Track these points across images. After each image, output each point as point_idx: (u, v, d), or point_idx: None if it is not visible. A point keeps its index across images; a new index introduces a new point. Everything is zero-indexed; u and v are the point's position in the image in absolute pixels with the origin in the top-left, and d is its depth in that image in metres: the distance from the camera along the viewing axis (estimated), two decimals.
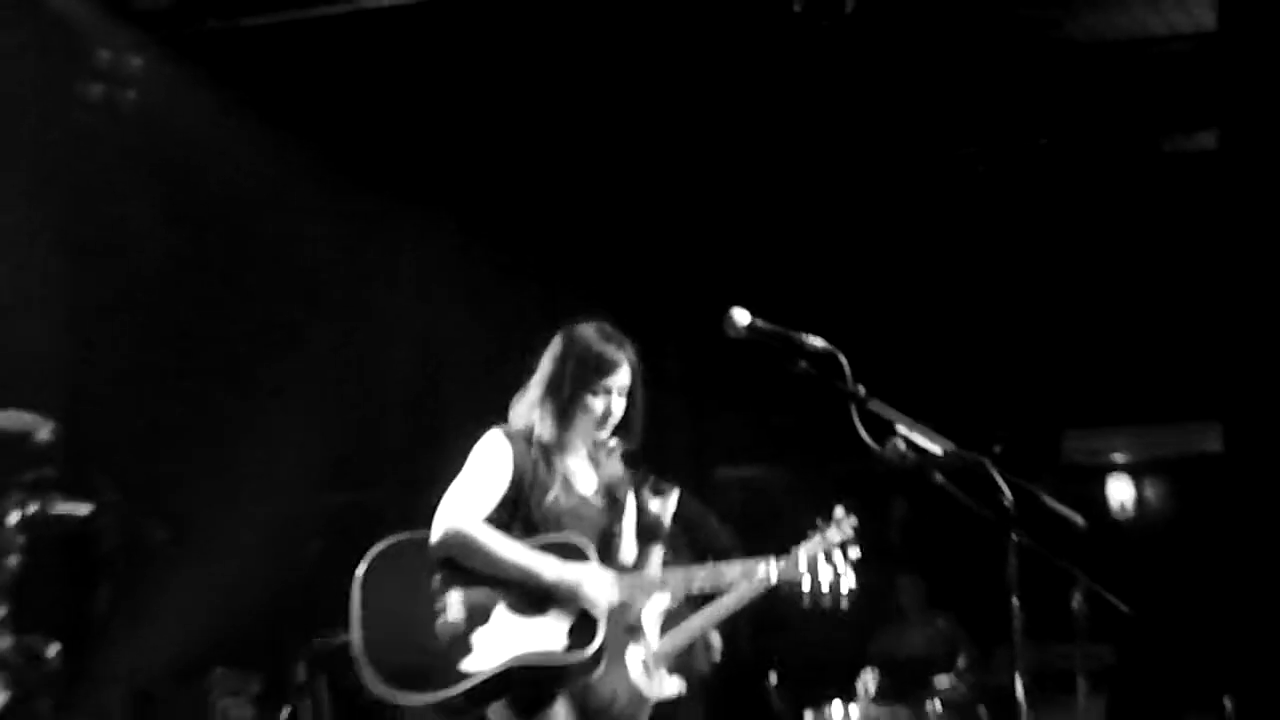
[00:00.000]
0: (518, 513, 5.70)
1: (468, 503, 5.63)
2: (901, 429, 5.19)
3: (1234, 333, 8.32)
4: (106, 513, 8.54)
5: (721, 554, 7.11)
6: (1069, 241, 11.38)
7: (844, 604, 5.95)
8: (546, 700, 5.61)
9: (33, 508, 7.96)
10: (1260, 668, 8.08)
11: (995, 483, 5.08)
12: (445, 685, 5.47)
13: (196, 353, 10.20)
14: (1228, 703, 8.12)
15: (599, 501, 5.89)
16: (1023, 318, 11.51)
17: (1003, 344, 11.51)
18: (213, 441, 9.96)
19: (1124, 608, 6.11)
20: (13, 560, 7.84)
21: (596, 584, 5.62)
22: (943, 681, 9.48)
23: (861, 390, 5.20)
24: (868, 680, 9.18)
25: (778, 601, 6.02)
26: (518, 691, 5.56)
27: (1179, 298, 10.59)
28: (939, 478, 5.28)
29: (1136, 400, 11.92)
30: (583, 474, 5.87)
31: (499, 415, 5.88)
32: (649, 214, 10.80)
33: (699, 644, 7.42)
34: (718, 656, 7.63)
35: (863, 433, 5.17)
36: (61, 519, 8.17)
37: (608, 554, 5.81)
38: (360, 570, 5.58)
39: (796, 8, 8.88)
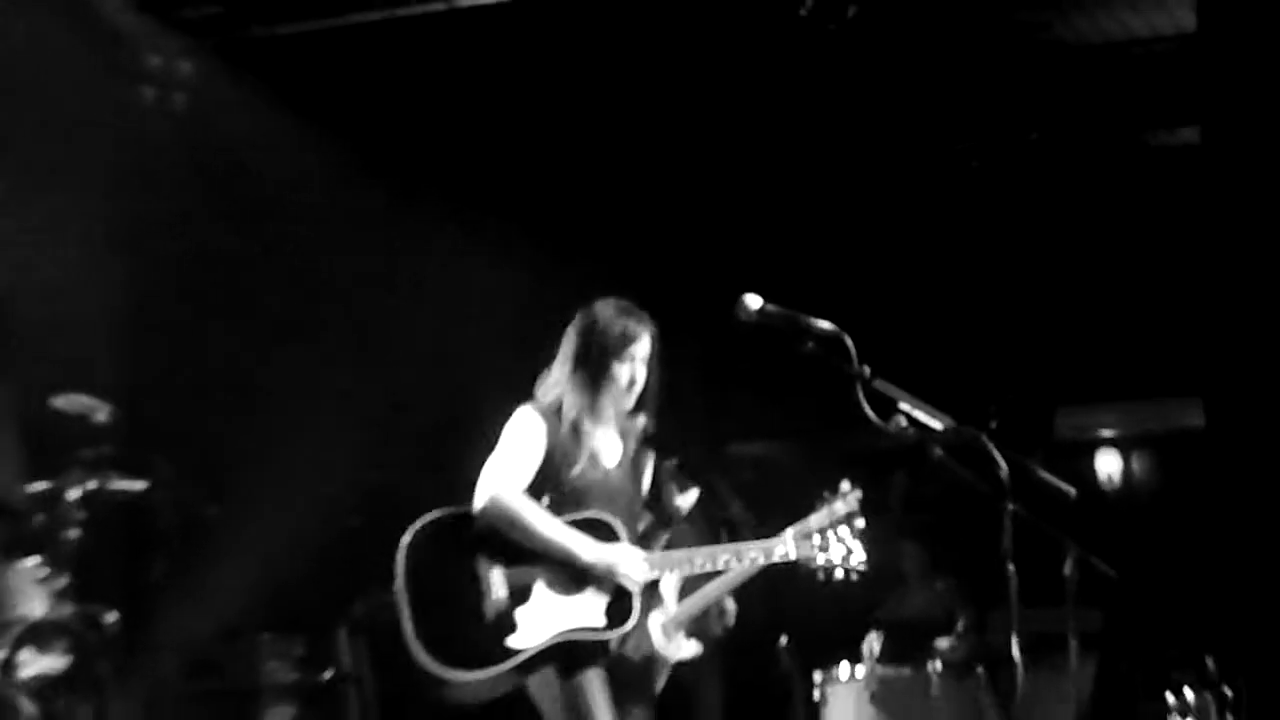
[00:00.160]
0: (546, 485, 5.71)
1: (507, 473, 5.63)
2: (904, 406, 5.20)
3: (1214, 315, 8.31)
4: (161, 489, 8.56)
5: (730, 524, 7.14)
6: (1059, 230, 11.36)
7: (854, 578, 5.96)
8: (583, 667, 5.63)
9: (92, 484, 7.98)
10: (1239, 627, 8.09)
11: (991, 456, 5.10)
12: (493, 662, 5.48)
13: (241, 339, 10.21)
14: (1209, 661, 8.11)
15: (624, 475, 5.89)
16: (1016, 302, 11.50)
17: (997, 326, 11.50)
18: (259, 423, 9.97)
19: (1112, 573, 6.11)
20: (73, 533, 7.87)
21: (631, 564, 5.64)
22: (943, 643, 9.47)
23: (866, 370, 5.22)
24: (873, 642, 9.16)
25: (790, 572, 6.01)
26: (558, 661, 5.59)
27: (1163, 283, 10.58)
28: (939, 452, 5.30)
29: (1123, 379, 11.92)
30: (609, 448, 5.88)
31: (528, 396, 5.89)
32: (669, 206, 10.80)
33: (714, 609, 7.41)
34: (732, 621, 7.63)
35: (867, 410, 5.19)
36: (119, 495, 8.19)
37: (632, 525, 5.82)
38: (405, 540, 5.57)
39: (803, 13, 8.88)
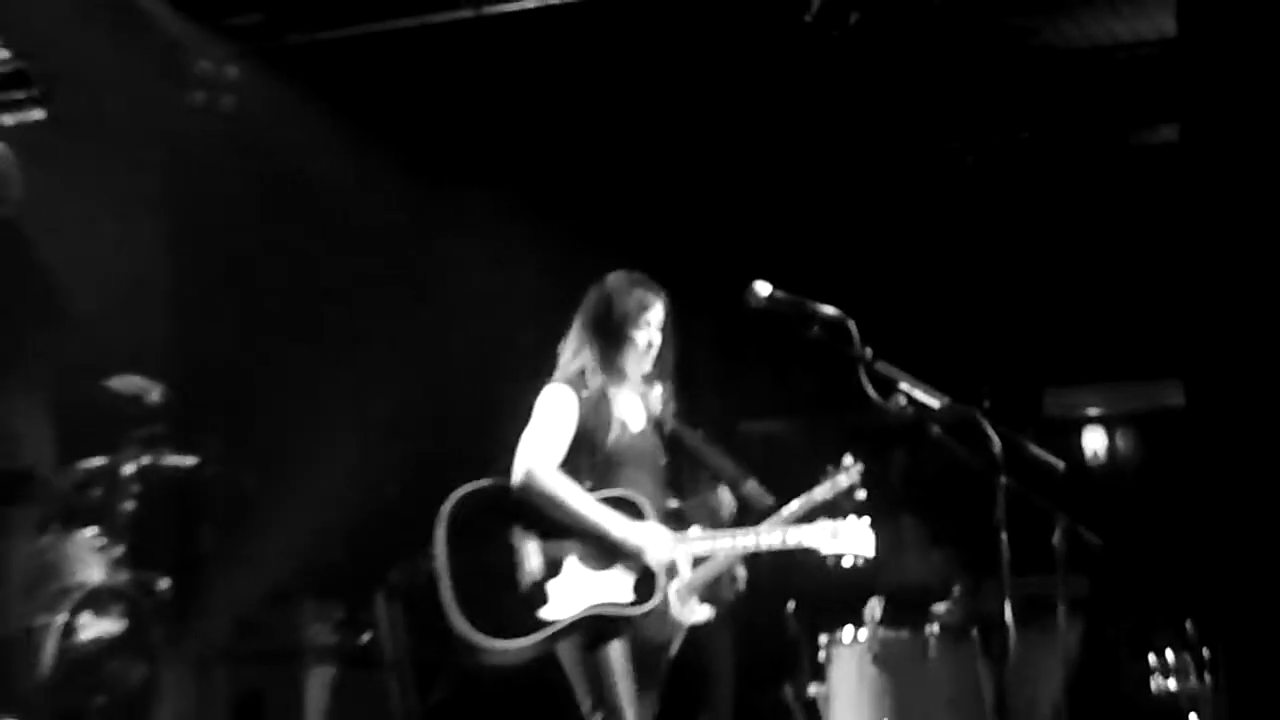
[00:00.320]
0: (582, 453, 5.71)
1: (542, 448, 5.62)
2: (903, 386, 5.22)
3: (1193, 302, 8.31)
4: (210, 464, 8.61)
5: (744, 501, 7.14)
6: (1048, 222, 11.34)
7: (860, 564, 5.97)
8: (608, 640, 5.64)
9: (146, 460, 8.03)
10: (1216, 593, 8.09)
11: (985, 433, 5.11)
12: (526, 632, 5.47)
13: (286, 324, 10.25)
14: (1189, 624, 8.12)
15: (650, 435, 5.91)
16: (1007, 288, 11.47)
17: (991, 312, 11.48)
18: (301, 402, 10.00)
19: (1098, 543, 6.13)
20: (128, 506, 7.92)
21: (658, 544, 5.64)
22: (940, 608, 9.47)
23: (868, 352, 5.23)
24: (874, 608, 9.17)
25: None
26: (585, 632, 5.59)
27: (1145, 271, 10.55)
28: (936, 429, 5.31)
29: (1108, 361, 11.90)
30: (633, 413, 5.88)
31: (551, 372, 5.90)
32: (686, 203, 10.83)
33: (726, 576, 7.43)
34: (743, 587, 7.65)
35: (869, 390, 5.21)
36: (171, 470, 8.23)
37: (659, 483, 5.85)
38: (444, 509, 5.56)
39: (808, 19, 8.88)
